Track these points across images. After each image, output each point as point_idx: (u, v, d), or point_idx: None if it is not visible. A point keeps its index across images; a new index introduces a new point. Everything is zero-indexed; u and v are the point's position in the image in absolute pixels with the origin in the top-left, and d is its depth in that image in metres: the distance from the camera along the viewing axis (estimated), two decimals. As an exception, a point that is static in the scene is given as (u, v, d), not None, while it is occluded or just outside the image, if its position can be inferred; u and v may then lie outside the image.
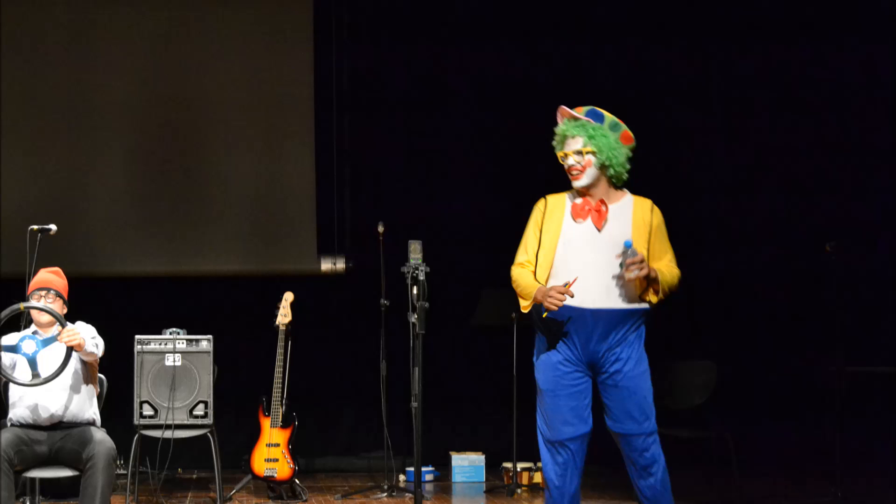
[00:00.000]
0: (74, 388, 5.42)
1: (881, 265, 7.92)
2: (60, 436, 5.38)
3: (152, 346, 6.77)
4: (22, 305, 5.13)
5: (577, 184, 4.81)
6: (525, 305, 4.84)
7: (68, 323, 5.21)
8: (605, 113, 4.84)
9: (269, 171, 8.56)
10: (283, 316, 7.01)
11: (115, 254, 8.39)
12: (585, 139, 4.77)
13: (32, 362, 5.16)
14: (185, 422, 6.73)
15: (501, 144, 8.60)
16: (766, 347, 8.34)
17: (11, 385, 5.42)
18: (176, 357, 6.76)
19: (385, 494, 7.23)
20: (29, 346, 5.18)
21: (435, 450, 7.92)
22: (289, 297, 7.08)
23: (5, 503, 5.13)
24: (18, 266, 6.15)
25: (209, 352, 6.81)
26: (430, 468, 7.97)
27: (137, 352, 6.75)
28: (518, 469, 7.49)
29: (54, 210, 7.75)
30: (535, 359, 4.88)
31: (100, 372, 5.70)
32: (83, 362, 5.46)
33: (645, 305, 4.75)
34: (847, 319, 6.88)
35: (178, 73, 8.48)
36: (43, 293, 5.47)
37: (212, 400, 6.77)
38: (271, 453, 6.92)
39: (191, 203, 8.48)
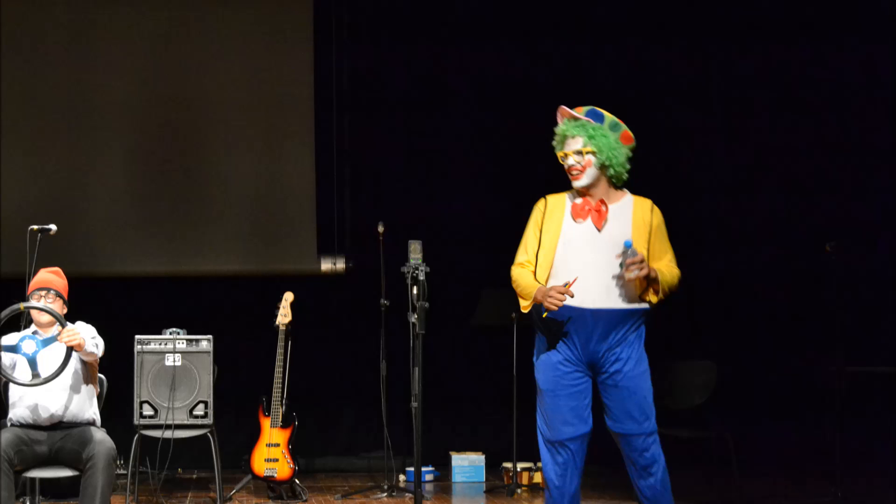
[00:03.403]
0: (74, 388, 5.42)
1: (881, 265, 7.92)
2: (60, 436, 5.38)
3: (152, 346, 6.77)
4: (22, 305, 5.13)
5: (577, 184, 4.81)
6: (525, 305, 4.84)
7: (68, 323, 5.21)
8: (605, 113, 4.83)
9: (269, 171, 8.56)
10: (283, 316, 7.01)
11: (115, 254, 8.39)
12: (585, 139, 4.77)
13: (32, 362, 5.16)
14: (185, 422, 6.73)
15: (501, 144, 8.60)
16: (766, 347, 8.34)
17: (11, 385, 5.42)
18: (176, 357, 6.76)
19: (385, 494, 7.23)
20: (29, 346, 5.18)
21: (435, 450, 7.92)
22: (289, 297, 7.08)
23: (5, 503, 5.13)
24: (18, 266, 6.15)
25: (209, 352, 6.81)
26: (430, 468, 7.97)
27: (137, 352, 6.75)
28: (518, 469, 7.49)
29: (54, 210, 7.75)
30: (535, 359, 4.88)
31: (100, 372, 5.70)
32: (83, 362, 5.45)
33: (645, 305, 4.75)
34: (847, 319, 6.87)
35: (178, 73, 8.48)
36: (43, 293, 5.47)
37: (212, 400, 6.77)
38: (271, 453, 6.92)
39: (191, 203, 8.48)
